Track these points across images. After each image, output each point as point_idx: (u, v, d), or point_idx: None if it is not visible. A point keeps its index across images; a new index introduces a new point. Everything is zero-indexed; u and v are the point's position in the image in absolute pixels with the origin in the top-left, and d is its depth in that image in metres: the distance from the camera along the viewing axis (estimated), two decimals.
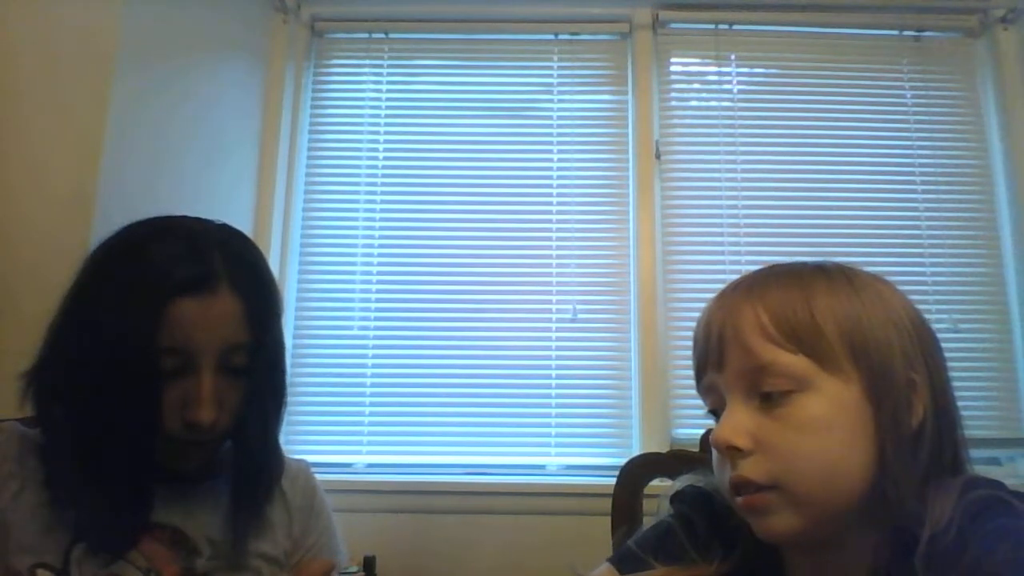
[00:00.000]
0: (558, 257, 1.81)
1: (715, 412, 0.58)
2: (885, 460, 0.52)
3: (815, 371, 0.52)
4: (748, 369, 0.54)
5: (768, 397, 0.53)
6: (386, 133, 1.89)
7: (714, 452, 0.56)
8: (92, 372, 0.68)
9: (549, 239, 1.82)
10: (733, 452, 0.53)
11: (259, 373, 0.75)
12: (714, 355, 0.56)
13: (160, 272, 0.69)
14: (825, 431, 0.52)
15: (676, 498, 0.66)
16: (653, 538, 0.62)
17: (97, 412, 0.68)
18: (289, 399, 0.83)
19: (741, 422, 0.53)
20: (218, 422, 0.71)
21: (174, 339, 0.68)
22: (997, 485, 0.52)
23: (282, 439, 0.87)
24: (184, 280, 0.69)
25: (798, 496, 0.51)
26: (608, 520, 1.09)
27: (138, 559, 0.71)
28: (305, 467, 0.89)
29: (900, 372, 0.54)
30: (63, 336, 0.72)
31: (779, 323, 0.53)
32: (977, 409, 1.72)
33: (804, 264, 0.59)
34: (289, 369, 0.84)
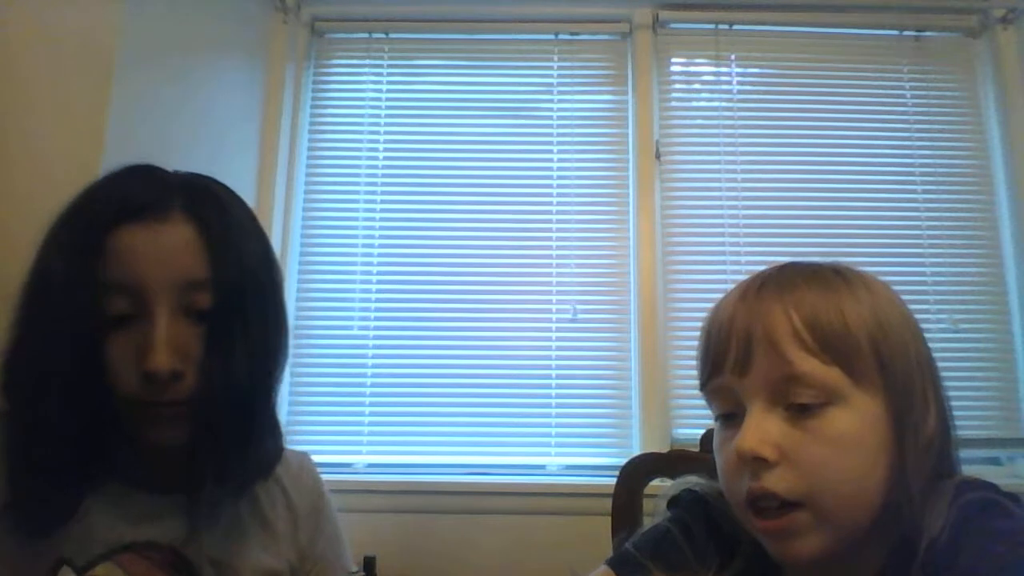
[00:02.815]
0: (558, 257, 1.81)
1: (726, 416, 0.55)
2: (904, 473, 0.50)
3: (847, 384, 0.50)
4: (779, 377, 0.51)
5: (797, 408, 0.51)
6: (386, 133, 1.89)
7: (725, 459, 0.54)
8: (45, 331, 0.59)
9: (549, 239, 1.82)
10: (758, 463, 0.50)
11: (226, 319, 0.62)
12: (738, 357, 0.53)
13: (104, 201, 0.62)
14: (854, 447, 0.50)
15: (672, 503, 0.65)
16: (651, 542, 0.61)
17: (57, 374, 0.58)
18: (282, 366, 0.70)
19: (768, 431, 0.50)
20: (182, 375, 0.60)
21: (120, 274, 0.59)
22: (989, 487, 0.52)
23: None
24: (129, 206, 0.61)
25: (826, 513, 0.50)
26: (608, 520, 1.09)
27: None
28: (308, 463, 0.79)
29: (919, 383, 0.52)
30: (22, 303, 0.62)
31: (815, 331, 0.51)
32: (977, 409, 1.72)
33: (821, 265, 0.56)
34: (290, 326, 0.71)
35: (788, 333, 0.51)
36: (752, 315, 0.53)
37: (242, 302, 0.64)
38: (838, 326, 0.51)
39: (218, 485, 0.64)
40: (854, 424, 0.50)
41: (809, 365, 0.50)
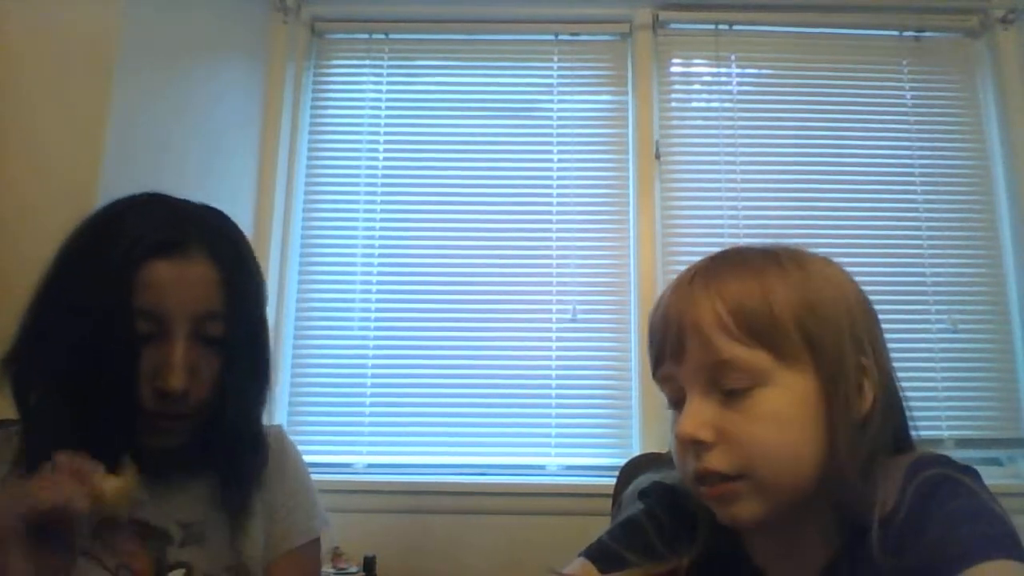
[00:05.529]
0: (558, 257, 1.81)
1: (675, 401, 0.58)
2: (835, 445, 0.53)
3: (774, 365, 0.53)
4: (709, 364, 0.54)
5: (729, 391, 0.54)
6: (386, 133, 1.90)
7: (675, 443, 0.57)
8: (70, 344, 0.67)
9: (549, 239, 1.82)
10: (697, 445, 0.54)
11: (236, 347, 0.72)
12: (672, 347, 0.56)
13: (134, 236, 0.68)
14: (786, 423, 0.53)
15: (643, 495, 0.67)
16: (626, 533, 0.64)
17: (76, 384, 0.66)
18: (272, 384, 0.81)
19: (704, 415, 0.54)
20: (191, 393, 0.69)
21: (147, 302, 0.67)
22: (944, 462, 0.53)
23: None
24: (158, 242, 0.68)
25: (763, 483, 0.53)
26: (608, 520, 1.09)
27: (106, 558, 0.68)
28: (277, 431, 0.86)
29: (851, 358, 0.55)
30: (43, 314, 0.70)
31: (738, 318, 0.54)
32: (977, 409, 1.72)
33: (754, 249, 0.59)
34: (277, 356, 0.80)
35: (714, 322, 0.54)
36: (683, 305, 0.56)
37: (248, 331, 0.74)
38: (761, 310, 0.54)
39: (232, 474, 0.76)
40: (782, 402, 0.53)
41: (735, 351, 0.53)
